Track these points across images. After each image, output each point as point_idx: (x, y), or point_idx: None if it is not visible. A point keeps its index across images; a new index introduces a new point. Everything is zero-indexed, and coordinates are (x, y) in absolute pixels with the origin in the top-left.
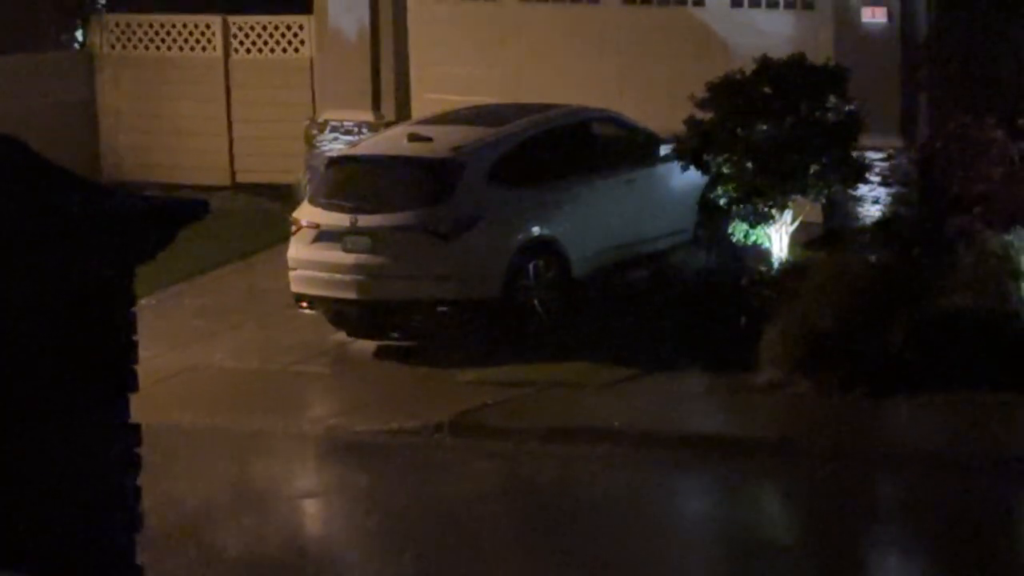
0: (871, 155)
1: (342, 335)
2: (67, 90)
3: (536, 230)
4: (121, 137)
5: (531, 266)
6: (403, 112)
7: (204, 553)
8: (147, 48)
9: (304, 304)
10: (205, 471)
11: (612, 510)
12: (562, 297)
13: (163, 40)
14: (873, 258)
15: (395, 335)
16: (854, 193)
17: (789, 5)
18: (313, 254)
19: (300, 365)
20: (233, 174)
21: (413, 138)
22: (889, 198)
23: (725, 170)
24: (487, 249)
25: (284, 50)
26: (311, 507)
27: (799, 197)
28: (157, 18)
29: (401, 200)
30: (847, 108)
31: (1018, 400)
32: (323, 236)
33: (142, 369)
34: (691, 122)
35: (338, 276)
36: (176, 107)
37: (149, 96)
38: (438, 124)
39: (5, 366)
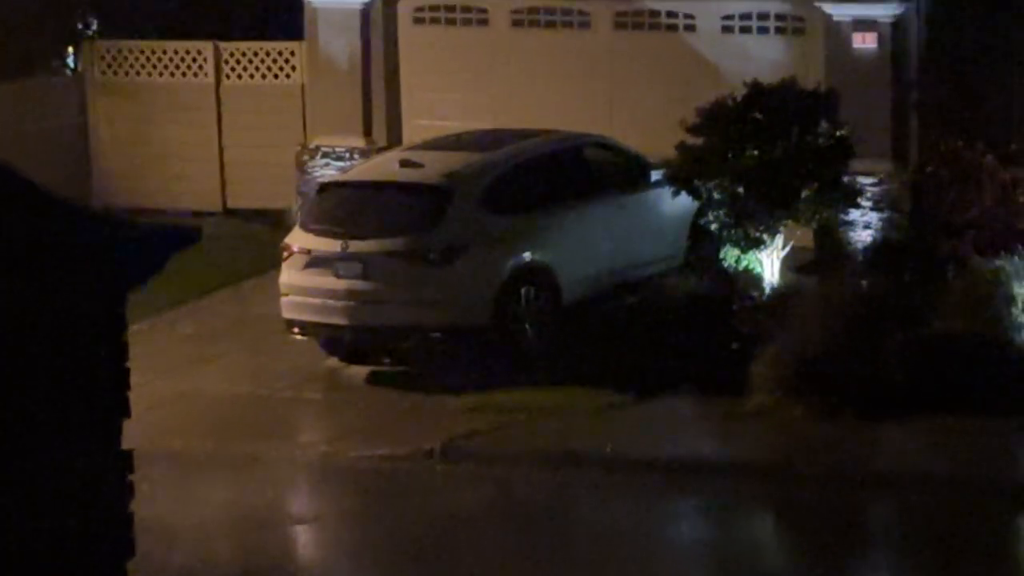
0: (862, 180)
1: (334, 361)
2: (59, 116)
3: (527, 256)
4: (112, 162)
5: (522, 292)
6: (394, 138)
7: None
8: (139, 74)
9: (296, 330)
10: (198, 497)
11: (604, 535)
12: (553, 323)
13: (155, 66)
14: (864, 283)
15: (387, 361)
16: (845, 218)
17: (780, 30)
18: (305, 280)
19: (292, 391)
20: (224, 199)
21: (404, 164)
22: (880, 223)
23: (716, 195)
24: (478, 275)
25: (275, 76)
26: (303, 533)
27: (790, 222)
28: (149, 44)
29: (392, 226)
30: (838, 133)
31: (1009, 425)
32: (315, 262)
33: (134, 395)
34: (682, 147)
35: (330, 302)
36: (167, 132)
37: (141, 122)
38: (429, 150)
39: None
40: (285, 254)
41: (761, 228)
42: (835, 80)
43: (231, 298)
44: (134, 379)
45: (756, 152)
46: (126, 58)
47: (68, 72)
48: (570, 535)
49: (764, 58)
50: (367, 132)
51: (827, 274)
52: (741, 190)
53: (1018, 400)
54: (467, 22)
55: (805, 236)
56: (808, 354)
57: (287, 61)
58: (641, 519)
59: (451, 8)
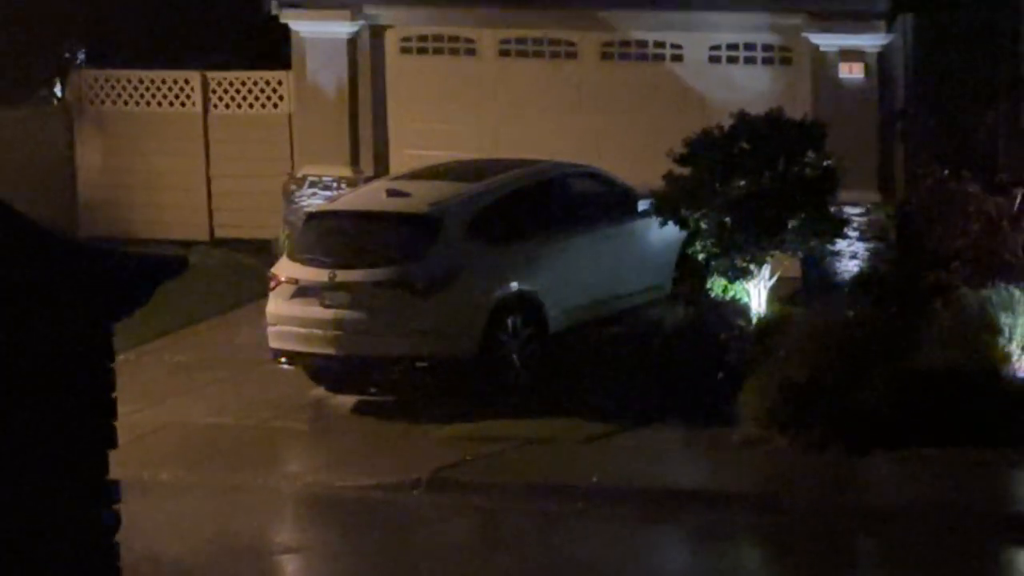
0: (849, 210)
1: (321, 390)
2: (46, 145)
3: (514, 286)
4: (99, 192)
5: (509, 322)
6: (382, 167)
7: None
8: (126, 103)
9: (283, 359)
10: (184, 527)
11: (591, 566)
12: (540, 352)
13: (142, 95)
14: (851, 313)
15: (373, 390)
16: (832, 248)
17: (767, 61)
18: (292, 309)
19: (279, 420)
20: (212, 229)
21: (391, 193)
22: (867, 253)
23: (703, 225)
24: (465, 305)
25: (263, 105)
26: (289, 563)
27: (777, 252)
28: (136, 73)
29: (379, 255)
30: (825, 163)
31: (996, 457)
32: (302, 291)
33: (121, 425)
34: (669, 177)
35: (317, 331)
36: (155, 162)
37: (128, 151)
38: (416, 179)
39: None
40: (272, 283)
41: (748, 258)
42: (822, 110)
43: (218, 327)
44: (121, 409)
45: (743, 182)
46: (113, 87)
47: (55, 101)
48: (557, 565)
49: (751, 88)
50: (354, 162)
51: (814, 304)
52: (728, 220)
53: (1005, 432)
54: (454, 52)
55: (792, 266)
56: (795, 385)
57: (275, 91)
58: (627, 549)
59: (438, 38)
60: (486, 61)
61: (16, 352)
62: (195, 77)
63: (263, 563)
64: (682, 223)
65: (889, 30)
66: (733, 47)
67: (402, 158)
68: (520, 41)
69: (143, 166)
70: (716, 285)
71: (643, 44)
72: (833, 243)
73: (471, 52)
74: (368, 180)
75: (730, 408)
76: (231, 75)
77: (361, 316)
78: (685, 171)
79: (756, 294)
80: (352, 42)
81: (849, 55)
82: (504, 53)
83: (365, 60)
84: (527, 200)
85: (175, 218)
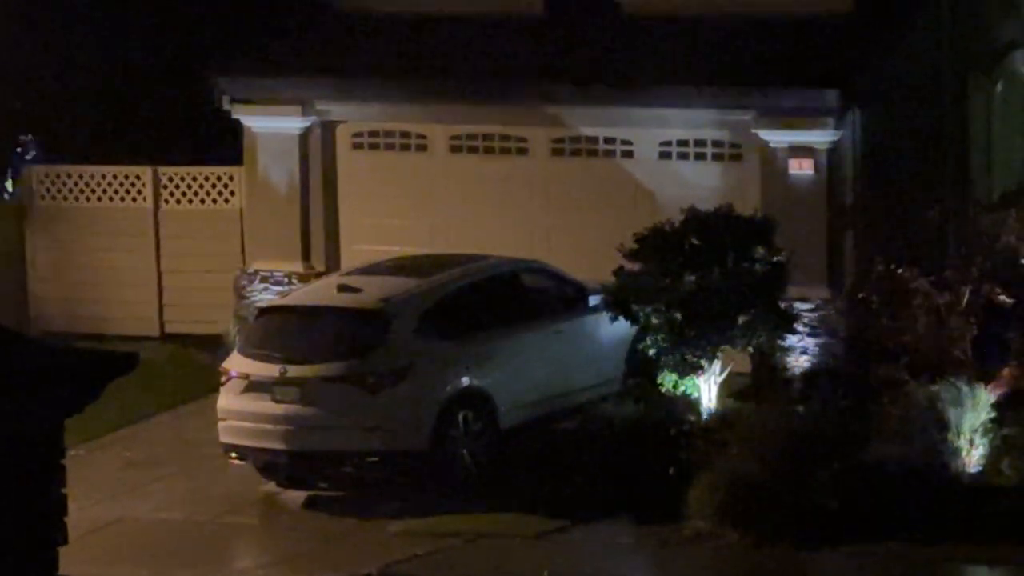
0: (799, 305)
1: (271, 485)
2: None
3: (465, 381)
4: (50, 287)
5: (460, 417)
6: (333, 263)
7: None
8: (76, 199)
9: (233, 455)
10: None
11: None
12: (491, 448)
13: (93, 191)
14: (801, 408)
15: (324, 485)
16: (782, 343)
17: (717, 157)
18: (242, 404)
19: (229, 516)
20: (162, 324)
21: (342, 289)
22: (817, 348)
23: (654, 320)
24: (415, 400)
25: (214, 200)
26: None
27: (727, 347)
28: (87, 169)
29: (330, 351)
30: (774, 259)
31: (943, 552)
32: (252, 386)
33: (71, 521)
34: (620, 272)
35: (267, 426)
36: (105, 258)
37: (78, 247)
38: (367, 275)
39: None
40: (223, 378)
41: (698, 353)
42: (772, 206)
43: (169, 423)
44: (71, 505)
45: (693, 278)
46: (64, 183)
47: (5, 197)
48: None
49: (701, 184)
50: (305, 257)
51: (764, 400)
52: (679, 315)
53: (955, 527)
54: (405, 147)
55: (743, 361)
56: (744, 481)
57: (226, 186)
58: None
59: (390, 133)
60: (437, 157)
61: None
62: (146, 172)
63: None
64: (633, 318)
65: (838, 126)
66: (683, 143)
67: (353, 253)
68: (471, 137)
69: (94, 261)
70: (667, 380)
71: (594, 140)
72: (783, 338)
73: (422, 148)
74: (319, 275)
75: (681, 503)
76: (182, 170)
77: (312, 411)
78: (636, 266)
79: (707, 389)
80: (303, 137)
81: (799, 151)
82: (455, 149)
83: (316, 155)
84: (478, 295)
85: (126, 313)
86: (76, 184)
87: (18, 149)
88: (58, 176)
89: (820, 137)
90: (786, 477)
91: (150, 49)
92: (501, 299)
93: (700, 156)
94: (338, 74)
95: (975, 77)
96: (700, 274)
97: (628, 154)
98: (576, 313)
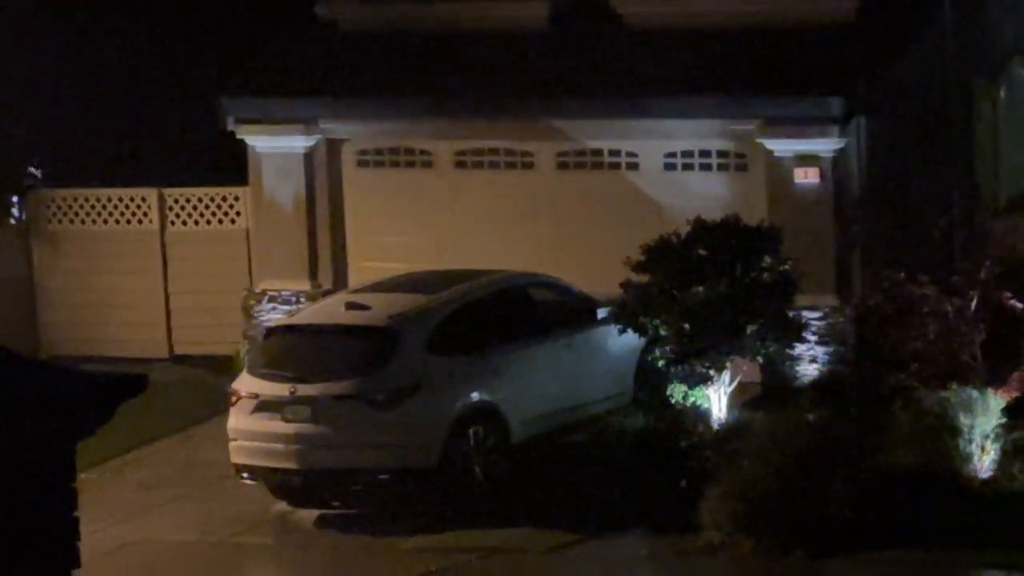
0: (807, 314)
1: (283, 505)
2: (4, 265)
3: (475, 396)
4: (58, 311)
5: (471, 433)
6: (340, 281)
7: None
8: (83, 222)
9: (244, 475)
10: None
11: None
12: (502, 462)
13: (99, 214)
14: (811, 417)
15: (336, 504)
16: (791, 352)
17: (723, 167)
18: (253, 424)
19: (241, 536)
20: (171, 346)
21: (350, 307)
22: (826, 356)
23: (663, 332)
24: (426, 417)
25: (220, 221)
26: None
27: (737, 357)
28: (94, 192)
29: (340, 369)
30: (781, 268)
31: (959, 558)
32: (263, 406)
33: (83, 544)
34: (628, 285)
35: (278, 446)
36: (113, 280)
37: (86, 270)
38: (375, 292)
39: None
40: (233, 399)
41: (708, 364)
42: (778, 215)
43: (179, 444)
44: (83, 528)
45: (701, 288)
46: (71, 206)
47: (12, 221)
48: None
49: (707, 195)
50: (313, 275)
51: (774, 409)
52: (687, 326)
53: (968, 533)
54: (411, 164)
55: (753, 371)
56: (757, 491)
57: (232, 206)
58: None
59: (395, 151)
60: (442, 173)
61: None
62: (152, 194)
63: None
64: (641, 330)
65: (843, 134)
66: (688, 154)
67: (361, 271)
68: (476, 152)
69: (102, 284)
70: (676, 391)
71: (599, 153)
72: (792, 347)
73: (427, 164)
74: (327, 293)
75: (693, 514)
76: (188, 191)
77: (322, 430)
78: (643, 278)
79: (716, 399)
80: (308, 156)
81: (804, 160)
82: (460, 164)
83: (322, 174)
84: (486, 311)
85: (134, 336)
86: (83, 207)
87: (31, 171)
88: (64, 200)
89: (825, 145)
90: (798, 486)
91: (154, 70)
92: (510, 314)
93: (705, 167)
94: (342, 92)
95: (980, 83)
96: (708, 285)
97: (634, 166)
98: (585, 326)
